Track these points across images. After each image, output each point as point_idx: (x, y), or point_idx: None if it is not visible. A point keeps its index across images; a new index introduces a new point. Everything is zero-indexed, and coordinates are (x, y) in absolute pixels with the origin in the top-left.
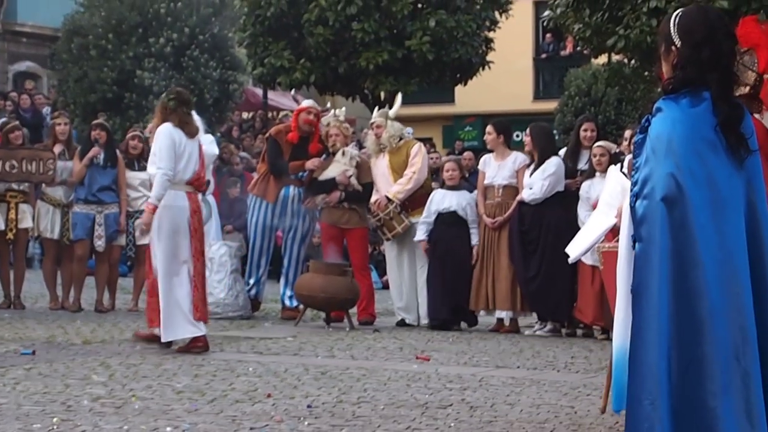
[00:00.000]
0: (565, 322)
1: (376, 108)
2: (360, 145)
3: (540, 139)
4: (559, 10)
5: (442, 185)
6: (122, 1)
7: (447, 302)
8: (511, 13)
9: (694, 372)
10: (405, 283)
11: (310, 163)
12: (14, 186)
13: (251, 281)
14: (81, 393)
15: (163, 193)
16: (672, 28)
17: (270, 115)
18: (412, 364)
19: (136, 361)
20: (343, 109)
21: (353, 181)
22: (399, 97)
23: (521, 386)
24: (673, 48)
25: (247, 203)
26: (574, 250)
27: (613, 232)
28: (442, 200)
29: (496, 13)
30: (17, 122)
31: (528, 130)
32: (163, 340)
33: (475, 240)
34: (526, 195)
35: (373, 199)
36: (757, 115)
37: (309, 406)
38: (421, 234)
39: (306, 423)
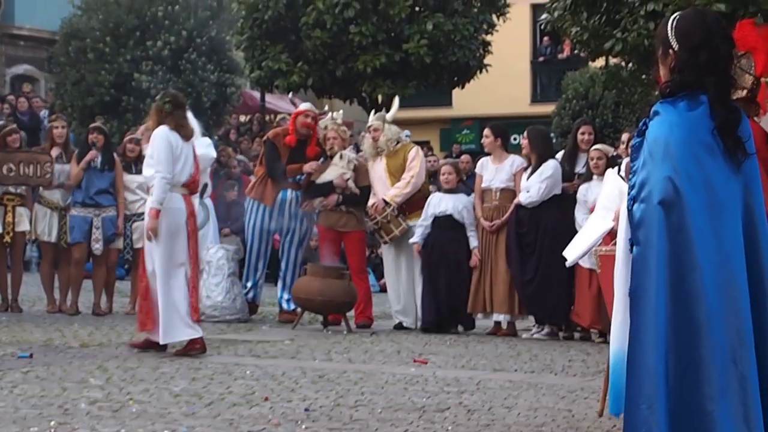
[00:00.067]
0: (562, 326)
1: (374, 111)
2: (357, 149)
3: (537, 142)
4: (556, 14)
5: (439, 188)
6: (120, 4)
7: (438, 306)
8: (508, 17)
9: (691, 375)
10: (402, 286)
11: (308, 167)
12: (11, 189)
13: (248, 284)
14: (78, 396)
15: (164, 197)
16: (669, 32)
17: (267, 118)
18: (410, 368)
19: (134, 364)
20: (341, 112)
21: (351, 184)
22: (396, 101)
23: (519, 389)
24: (671, 51)
25: (245, 206)
26: (572, 253)
27: (611, 235)
28: (438, 203)
29: (494, 17)
30: (15, 125)
31: (525, 133)
32: (161, 342)
33: (474, 243)
34: (523, 198)
35: (370, 202)
36: (755, 119)
37: (306, 410)
38: (416, 237)
39: (303, 426)
